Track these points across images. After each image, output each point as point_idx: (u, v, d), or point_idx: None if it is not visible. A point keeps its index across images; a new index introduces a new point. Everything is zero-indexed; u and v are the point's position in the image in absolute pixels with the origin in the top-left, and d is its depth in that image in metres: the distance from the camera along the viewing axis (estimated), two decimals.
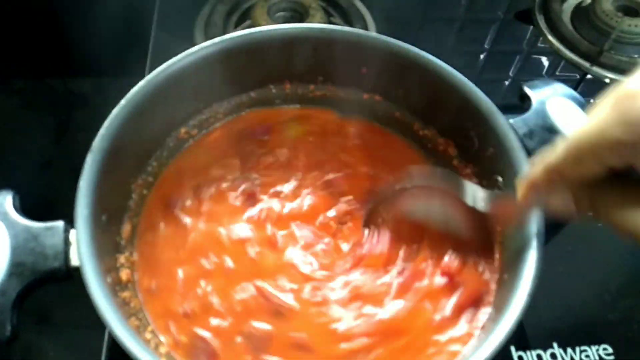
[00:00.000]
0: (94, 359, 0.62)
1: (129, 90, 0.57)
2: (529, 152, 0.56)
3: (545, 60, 1.00)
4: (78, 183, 0.50)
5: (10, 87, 0.94)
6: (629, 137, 0.33)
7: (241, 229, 0.60)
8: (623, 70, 0.93)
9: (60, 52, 0.97)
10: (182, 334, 0.53)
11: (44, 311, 0.69)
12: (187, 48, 0.62)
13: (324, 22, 0.91)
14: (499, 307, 0.50)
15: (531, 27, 1.02)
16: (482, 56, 1.01)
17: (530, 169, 0.44)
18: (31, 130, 0.87)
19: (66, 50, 0.97)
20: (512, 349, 0.65)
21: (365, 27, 0.95)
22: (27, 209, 0.52)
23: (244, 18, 0.95)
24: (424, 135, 0.68)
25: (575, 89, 0.93)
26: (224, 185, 0.64)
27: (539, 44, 1.01)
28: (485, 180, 0.61)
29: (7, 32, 0.98)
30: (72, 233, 0.49)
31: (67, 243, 0.48)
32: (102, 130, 0.54)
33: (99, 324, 0.63)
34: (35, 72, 0.95)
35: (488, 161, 0.60)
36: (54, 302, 0.67)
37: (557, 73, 0.98)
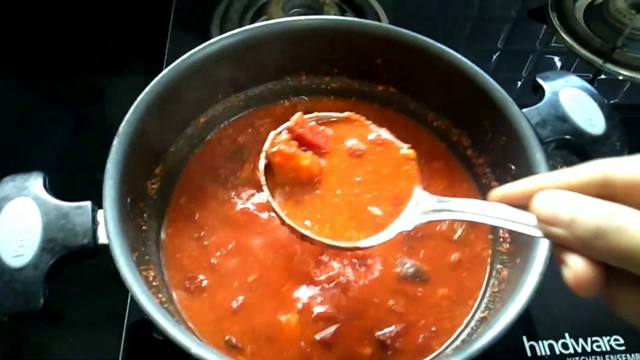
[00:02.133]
0: (108, 358, 0.64)
1: (144, 87, 0.60)
2: (542, 141, 0.59)
3: (558, 59, 1.02)
4: (101, 172, 0.53)
5: (33, 82, 0.98)
6: None
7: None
8: (636, 67, 0.95)
9: (80, 49, 1.01)
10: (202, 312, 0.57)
11: (55, 311, 0.69)
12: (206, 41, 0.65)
13: None
14: (512, 287, 0.52)
15: (544, 25, 1.04)
16: (495, 55, 1.04)
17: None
18: (52, 122, 0.91)
19: (86, 47, 1.01)
20: (524, 338, 0.67)
21: None
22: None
23: (260, 14, 0.98)
24: (438, 126, 0.70)
25: (589, 83, 0.96)
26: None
27: (553, 43, 1.03)
28: (499, 168, 0.64)
29: (30, 31, 1.03)
30: (99, 213, 0.52)
31: (94, 222, 0.52)
32: (128, 115, 0.57)
33: (113, 323, 0.67)
34: (57, 68, 0.99)
35: (501, 150, 0.62)
36: (65, 302, 0.69)
37: (571, 71, 1.00)
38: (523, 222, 0.38)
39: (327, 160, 0.52)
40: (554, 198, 0.35)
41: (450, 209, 0.45)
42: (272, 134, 0.52)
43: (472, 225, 0.63)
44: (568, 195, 0.35)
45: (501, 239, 0.61)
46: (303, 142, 0.52)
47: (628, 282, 0.34)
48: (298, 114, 0.52)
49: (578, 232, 0.33)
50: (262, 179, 0.50)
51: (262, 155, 0.51)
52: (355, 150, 0.53)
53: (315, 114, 0.54)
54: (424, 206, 0.48)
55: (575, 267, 0.34)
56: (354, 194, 0.50)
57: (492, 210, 0.41)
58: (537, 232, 0.37)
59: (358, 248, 0.48)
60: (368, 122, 0.55)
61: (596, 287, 0.34)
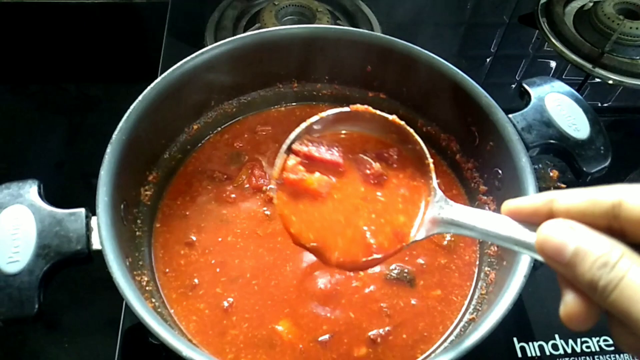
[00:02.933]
0: None
1: (138, 94, 0.62)
2: (527, 145, 0.60)
3: (550, 63, 1.04)
4: (95, 179, 0.54)
5: (27, 91, 1.00)
6: None
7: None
8: (625, 71, 0.97)
9: (74, 57, 1.03)
10: (195, 315, 0.58)
11: (52, 317, 0.71)
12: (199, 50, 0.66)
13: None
14: (498, 288, 0.54)
15: (537, 31, 1.06)
16: (488, 60, 1.06)
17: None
18: (46, 131, 0.92)
19: (81, 55, 1.03)
20: (515, 340, 0.68)
21: (371, 31, 1.00)
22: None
23: (253, 22, 1.00)
24: (428, 132, 0.72)
25: (579, 90, 0.97)
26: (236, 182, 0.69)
27: (545, 48, 1.05)
28: (486, 173, 0.65)
29: (24, 39, 1.04)
30: (93, 219, 0.53)
31: (88, 228, 0.53)
32: (122, 124, 0.58)
33: (109, 328, 0.68)
34: (50, 77, 1.01)
35: (488, 155, 0.64)
36: (61, 307, 0.70)
37: (562, 76, 1.02)
38: (529, 247, 0.38)
39: (338, 178, 0.52)
40: (558, 233, 0.34)
41: (463, 223, 0.45)
42: (279, 159, 0.51)
43: None
44: (571, 233, 0.34)
45: (489, 243, 0.63)
46: (313, 160, 0.51)
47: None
48: (302, 129, 0.51)
49: (575, 278, 0.33)
50: (275, 201, 0.50)
51: (273, 182, 0.50)
52: (367, 175, 0.52)
53: (318, 115, 0.52)
54: (435, 213, 0.48)
55: (569, 303, 0.34)
56: (356, 214, 0.50)
57: (502, 228, 0.40)
58: (541, 259, 0.36)
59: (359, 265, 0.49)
60: (378, 113, 0.52)
61: (587, 325, 0.34)
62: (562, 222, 0.34)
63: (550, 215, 0.36)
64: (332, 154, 0.52)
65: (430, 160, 0.50)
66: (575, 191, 0.36)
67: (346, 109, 0.52)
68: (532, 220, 0.38)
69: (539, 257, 0.36)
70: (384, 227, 0.49)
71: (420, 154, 0.51)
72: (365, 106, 0.52)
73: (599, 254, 0.32)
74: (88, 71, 1.02)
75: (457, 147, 0.70)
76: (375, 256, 0.48)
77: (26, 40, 1.04)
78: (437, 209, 0.48)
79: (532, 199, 0.38)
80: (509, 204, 0.40)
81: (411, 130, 0.51)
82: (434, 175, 0.50)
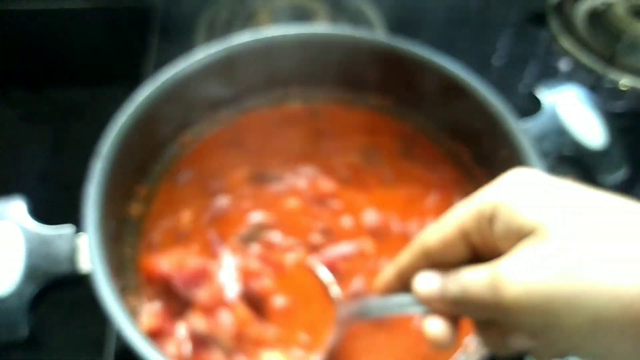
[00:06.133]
0: None
1: (125, 99, 0.61)
2: (542, 154, 0.60)
3: (560, 65, 1.04)
4: (83, 189, 0.54)
5: (8, 98, 0.99)
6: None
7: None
8: (637, 73, 0.97)
9: (57, 61, 1.02)
10: None
11: (36, 334, 0.71)
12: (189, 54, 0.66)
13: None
14: None
15: (546, 31, 1.06)
16: (496, 60, 1.05)
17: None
18: (29, 140, 0.91)
19: (63, 59, 1.02)
20: None
21: (373, 30, 0.99)
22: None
23: (246, 24, 0.99)
24: (438, 138, 0.72)
25: (590, 92, 0.97)
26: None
27: (554, 48, 1.05)
28: None
29: (4, 43, 1.03)
30: (82, 238, 0.52)
31: (77, 248, 0.52)
32: (108, 137, 0.57)
33: (99, 347, 0.67)
34: (33, 83, 1.00)
35: (501, 164, 0.63)
36: (49, 327, 0.68)
37: (572, 77, 1.02)
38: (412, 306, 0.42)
39: None
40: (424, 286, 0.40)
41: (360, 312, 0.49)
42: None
43: None
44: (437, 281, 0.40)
45: None
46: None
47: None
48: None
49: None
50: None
51: None
52: None
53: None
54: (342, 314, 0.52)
55: (434, 328, 0.40)
56: None
57: (393, 301, 0.44)
58: (422, 310, 0.41)
59: None
60: None
61: (452, 341, 0.40)
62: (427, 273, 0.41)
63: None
64: None
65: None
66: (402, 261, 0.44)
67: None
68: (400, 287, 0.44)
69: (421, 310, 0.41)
70: None
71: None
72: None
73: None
74: (72, 77, 1.01)
75: (469, 155, 0.69)
76: None
77: (6, 45, 1.03)
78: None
79: (387, 272, 0.45)
80: (379, 283, 0.46)
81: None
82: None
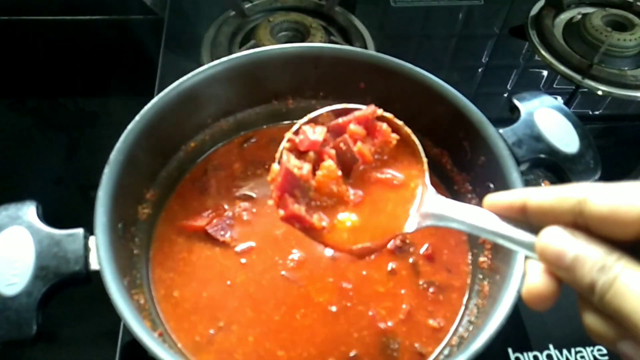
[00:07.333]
0: None
1: (136, 109, 0.62)
2: (518, 160, 0.61)
3: (540, 75, 1.05)
4: (95, 194, 0.55)
5: (24, 107, 1.00)
6: None
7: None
8: (613, 82, 0.98)
9: (72, 72, 1.03)
10: (196, 335, 0.58)
11: (49, 328, 0.71)
12: (195, 67, 0.67)
13: (325, 41, 0.97)
14: (492, 303, 0.54)
15: (527, 42, 1.08)
16: (479, 71, 1.07)
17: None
18: (44, 147, 0.93)
19: (78, 71, 1.03)
20: (510, 350, 0.69)
21: (365, 46, 1.01)
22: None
23: (248, 38, 1.01)
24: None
25: (568, 101, 0.99)
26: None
27: (535, 59, 1.06)
28: (479, 187, 0.66)
29: (21, 54, 1.05)
30: (91, 239, 0.54)
31: (86, 249, 0.53)
32: (119, 144, 0.59)
33: (108, 342, 0.68)
34: (48, 92, 1.01)
35: (480, 169, 0.64)
36: (60, 321, 0.70)
37: (553, 86, 1.03)
38: (520, 243, 0.40)
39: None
40: (558, 240, 0.36)
41: (452, 217, 0.46)
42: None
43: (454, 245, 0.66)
44: (570, 240, 0.36)
45: (482, 256, 0.63)
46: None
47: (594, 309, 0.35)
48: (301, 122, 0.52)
49: (574, 280, 0.35)
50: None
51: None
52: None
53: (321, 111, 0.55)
54: (427, 207, 0.50)
55: (534, 282, 0.37)
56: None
57: (491, 224, 0.42)
58: (534, 257, 0.38)
59: (352, 252, 0.50)
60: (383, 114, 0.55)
61: (547, 304, 0.37)
62: (560, 230, 0.36)
63: (524, 209, 0.39)
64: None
65: (425, 160, 0.53)
66: (546, 189, 0.38)
67: (353, 105, 0.55)
68: (507, 214, 0.41)
69: (519, 249, 0.40)
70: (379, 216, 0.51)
71: (415, 152, 0.54)
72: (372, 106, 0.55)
73: (597, 259, 0.34)
74: (86, 86, 1.02)
75: (450, 161, 0.70)
76: (368, 244, 0.50)
77: (23, 56, 1.05)
78: (429, 204, 0.50)
79: (509, 195, 0.41)
80: (489, 198, 0.43)
81: (409, 130, 0.55)
82: (427, 172, 0.52)
